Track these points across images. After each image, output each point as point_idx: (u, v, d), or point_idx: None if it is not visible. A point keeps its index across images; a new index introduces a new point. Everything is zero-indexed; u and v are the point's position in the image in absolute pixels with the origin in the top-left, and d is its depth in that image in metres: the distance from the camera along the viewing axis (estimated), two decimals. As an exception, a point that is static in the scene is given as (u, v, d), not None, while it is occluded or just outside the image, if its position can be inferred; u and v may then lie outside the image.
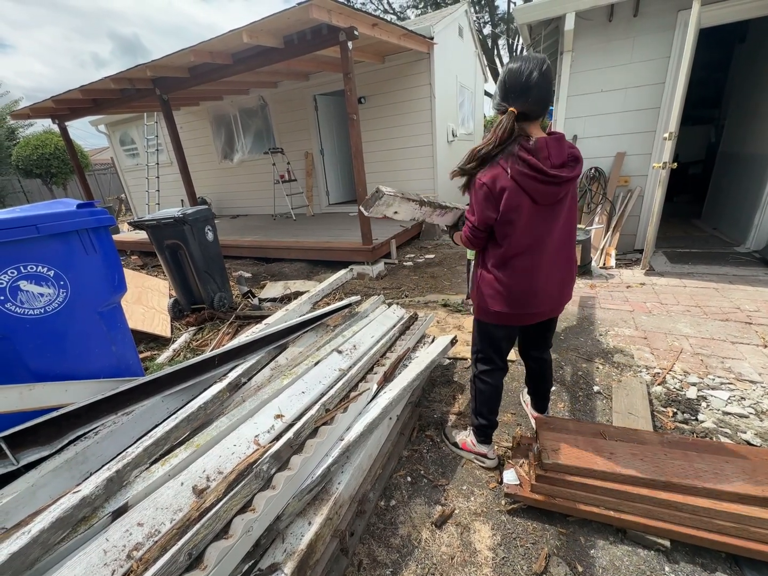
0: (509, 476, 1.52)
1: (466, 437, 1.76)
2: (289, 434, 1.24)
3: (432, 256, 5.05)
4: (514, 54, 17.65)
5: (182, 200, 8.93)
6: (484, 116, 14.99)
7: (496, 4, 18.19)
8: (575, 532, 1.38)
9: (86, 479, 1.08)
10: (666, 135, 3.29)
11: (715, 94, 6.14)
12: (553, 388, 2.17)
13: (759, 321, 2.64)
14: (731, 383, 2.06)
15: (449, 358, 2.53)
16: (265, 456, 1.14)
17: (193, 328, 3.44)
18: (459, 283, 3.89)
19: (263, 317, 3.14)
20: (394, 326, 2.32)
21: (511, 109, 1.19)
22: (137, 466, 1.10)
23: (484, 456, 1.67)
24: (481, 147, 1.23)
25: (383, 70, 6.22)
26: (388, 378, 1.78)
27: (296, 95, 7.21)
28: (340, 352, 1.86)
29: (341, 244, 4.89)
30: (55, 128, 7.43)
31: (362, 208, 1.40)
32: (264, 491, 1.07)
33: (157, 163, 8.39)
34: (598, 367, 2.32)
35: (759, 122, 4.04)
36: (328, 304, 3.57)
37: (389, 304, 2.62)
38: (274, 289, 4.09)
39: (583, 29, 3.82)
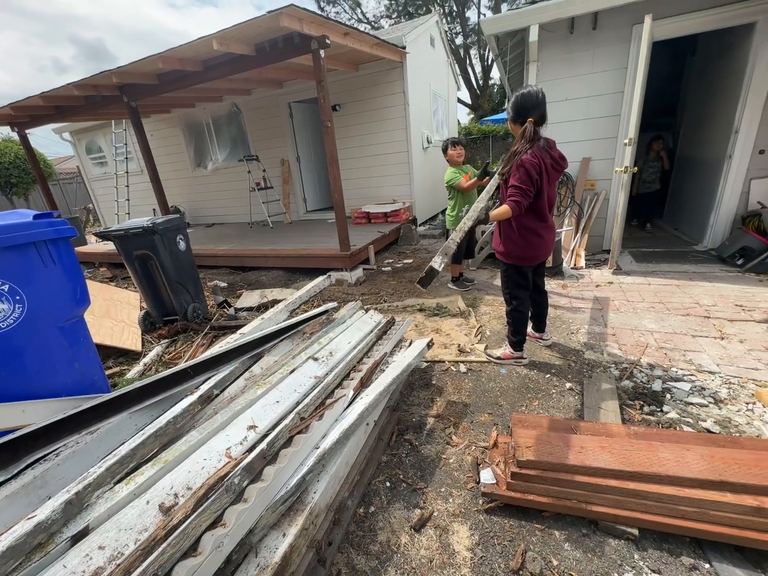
0: (486, 476, 1.54)
1: (504, 351, 2.45)
2: (263, 445, 1.21)
3: (410, 260, 5.09)
4: (486, 63, 18.21)
5: (154, 209, 8.68)
6: (459, 123, 15.37)
7: (467, 15, 18.77)
8: (550, 526, 1.41)
9: (44, 504, 1.02)
10: (626, 141, 3.47)
11: (672, 103, 6.53)
12: (530, 386, 2.23)
13: (716, 315, 2.80)
14: (692, 375, 2.17)
15: (427, 361, 2.55)
16: (236, 469, 1.11)
17: (166, 340, 3.33)
18: (437, 287, 3.93)
19: (239, 327, 3.07)
20: (372, 331, 2.32)
21: (530, 119, 1.86)
22: (99, 486, 1.05)
23: (521, 357, 2.41)
24: (518, 147, 1.90)
25: (357, 78, 6.29)
26: (365, 383, 1.78)
27: (271, 103, 7.18)
28: (316, 359, 1.84)
29: (319, 251, 4.87)
30: (15, 136, 7.09)
31: (419, 285, 1.79)
32: (235, 505, 1.04)
33: (127, 172, 8.13)
34: (570, 365, 2.39)
35: (709, 129, 4.32)
36: (306, 311, 3.53)
37: (366, 310, 2.62)
38: (250, 298, 4.02)
39: (547, 41, 4.00)
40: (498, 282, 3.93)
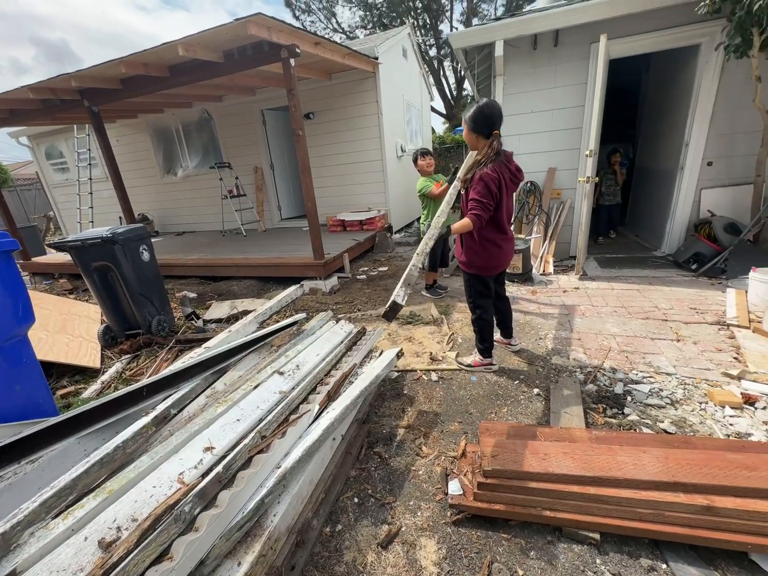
0: (453, 487, 1.53)
1: (473, 359, 2.48)
2: (219, 468, 1.16)
3: (385, 268, 5.10)
4: (459, 75, 18.70)
5: (120, 218, 8.32)
6: (433, 131, 15.67)
7: (440, 28, 19.28)
8: (516, 535, 1.41)
9: (-32, 546, 0.92)
10: (587, 152, 3.62)
11: (633, 116, 6.90)
12: (499, 393, 2.26)
13: (673, 318, 2.94)
14: (651, 376, 2.26)
15: (398, 371, 2.54)
16: (188, 496, 1.05)
17: (128, 356, 3.17)
18: (410, 294, 3.94)
19: (206, 340, 2.96)
20: (342, 342, 2.29)
21: (496, 131, 1.92)
22: (32, 523, 0.96)
23: (490, 364, 2.44)
24: (483, 158, 1.94)
25: (331, 87, 6.30)
26: (332, 397, 1.74)
27: (243, 109, 7.08)
28: (281, 373, 1.79)
29: (293, 259, 4.79)
30: (-36, 140, 6.66)
31: (384, 319, 1.70)
32: (185, 535, 0.98)
33: (90, 179, 7.77)
34: (537, 370, 2.44)
35: (663, 142, 4.58)
36: (278, 321, 3.45)
37: (338, 320, 2.59)
38: (220, 309, 3.90)
39: (513, 55, 4.14)
40: (470, 289, 3.99)
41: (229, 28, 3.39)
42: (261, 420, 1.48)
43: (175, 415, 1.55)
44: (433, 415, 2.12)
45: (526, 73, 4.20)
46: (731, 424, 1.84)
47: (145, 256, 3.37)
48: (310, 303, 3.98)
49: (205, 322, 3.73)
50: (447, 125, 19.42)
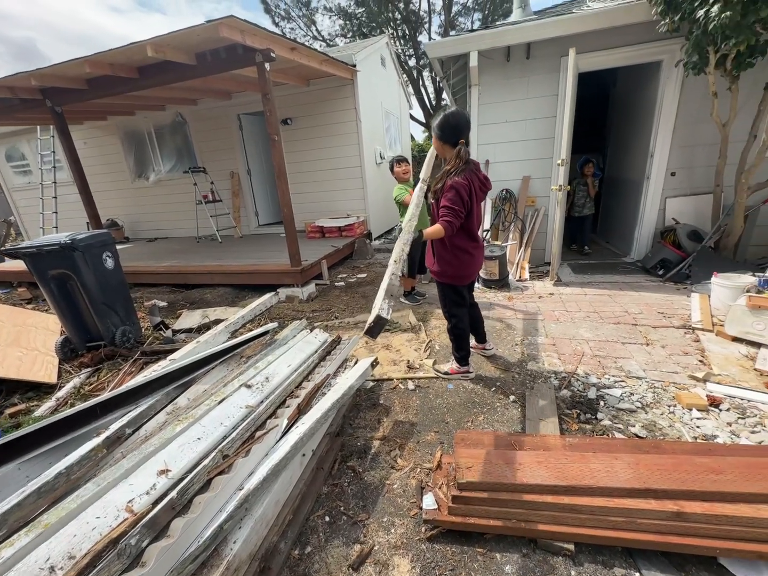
0: (428, 501, 1.48)
1: (450, 367, 2.47)
2: (173, 493, 1.07)
3: (364, 275, 5.05)
4: (438, 85, 19.08)
5: (88, 223, 7.95)
6: (413, 139, 15.84)
7: (419, 39, 19.64)
8: (492, 549, 1.38)
9: None
10: (559, 161, 3.72)
11: (602, 127, 7.18)
12: (476, 400, 2.24)
13: (642, 322, 3.02)
14: (623, 381, 2.30)
15: (375, 380, 2.49)
16: (136, 527, 0.96)
17: (88, 369, 2.98)
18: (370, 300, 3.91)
19: (174, 351, 2.82)
20: (316, 352, 2.22)
21: (462, 140, 1.91)
22: (-51, 567, 0.85)
23: (467, 372, 2.43)
24: (452, 167, 1.93)
25: (309, 93, 6.27)
26: (302, 410, 1.67)
27: (219, 113, 6.93)
28: (249, 386, 1.71)
29: (269, 266, 4.68)
30: None
31: (368, 336, 1.47)
32: (130, 572, 0.89)
33: (55, 182, 7.38)
34: (514, 377, 2.44)
35: (630, 152, 4.77)
36: (251, 330, 3.34)
37: (312, 328, 2.52)
38: (190, 319, 3.74)
39: (487, 66, 4.23)
40: (448, 295, 4.00)
41: (201, 29, 3.31)
42: (225, 437, 1.40)
43: (131, 434, 1.44)
44: (409, 426, 2.07)
45: (500, 83, 4.30)
46: (698, 427, 1.88)
47: (109, 263, 3.21)
48: (286, 311, 3.88)
49: (174, 332, 3.56)
50: (426, 134, 19.71)
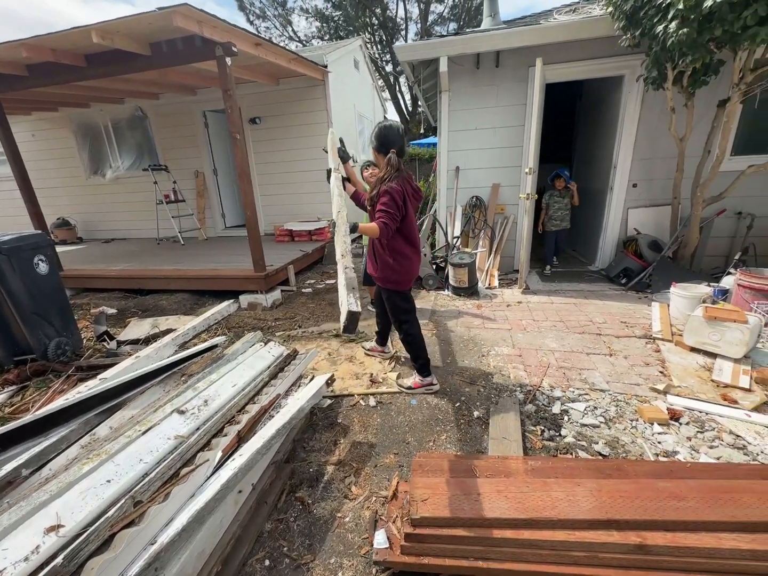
0: (380, 539, 1.35)
1: (414, 380, 2.38)
2: (59, 559, 0.88)
3: (333, 281, 4.89)
4: (414, 91, 19.23)
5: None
6: (389, 145, 15.76)
7: (396, 45, 19.79)
8: (448, 591, 1.25)
9: None
10: (527, 170, 3.72)
11: (569, 139, 7.39)
12: (439, 417, 2.13)
13: (606, 332, 3.03)
14: (587, 393, 2.26)
15: (334, 396, 2.33)
16: (-2, 607, 0.77)
17: (13, 387, 2.65)
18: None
19: (115, 365, 2.55)
20: (268, 368, 2.04)
21: (393, 150, 2.02)
22: None
23: (431, 384, 2.36)
24: (385, 174, 2.03)
25: (279, 92, 6.07)
26: (243, 438, 1.49)
27: (182, 109, 6.59)
28: (182, 412, 1.51)
29: (231, 271, 4.43)
30: None
31: (346, 334, 1.77)
32: None
33: (-6, 177, 6.78)
34: (479, 390, 2.36)
35: (594, 164, 4.89)
36: (206, 341, 3.10)
37: (267, 341, 2.34)
38: (138, 328, 3.45)
39: (457, 73, 4.21)
40: (417, 304, 3.90)
41: (152, 17, 3.07)
42: (144, 477, 1.21)
43: (29, 476, 1.22)
44: (367, 447, 1.93)
45: (470, 91, 4.28)
46: (659, 442, 1.85)
47: (42, 268, 2.89)
48: (246, 320, 3.65)
49: (120, 343, 3.26)
50: (403, 139, 19.77)
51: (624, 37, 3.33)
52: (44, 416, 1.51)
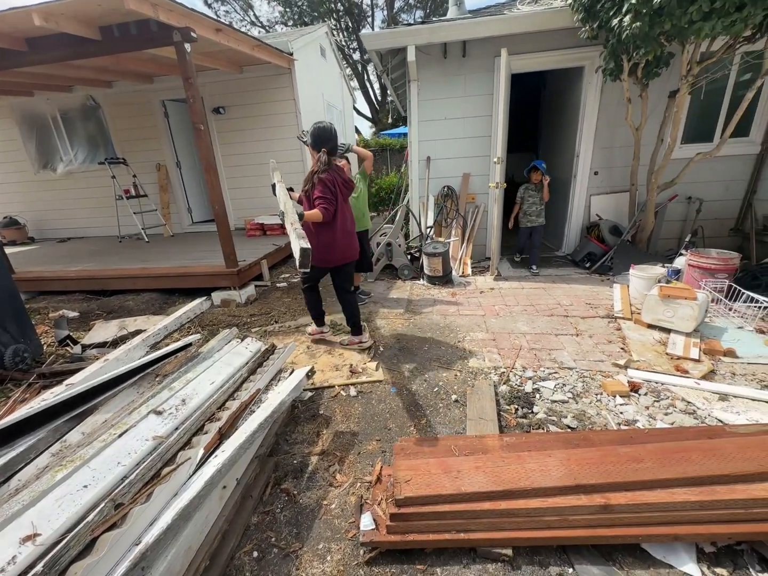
0: (366, 521, 1.39)
1: (311, 328, 3.04)
2: (38, 567, 0.86)
3: (308, 275, 4.83)
4: (382, 80, 19.02)
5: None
6: (360, 134, 15.65)
7: (363, 33, 19.42)
8: (432, 564, 1.32)
9: None
10: (495, 159, 3.81)
11: (534, 128, 7.60)
12: (419, 403, 2.20)
13: (573, 314, 3.20)
14: (556, 372, 2.40)
15: (313, 389, 2.34)
16: (-24, 621, 0.74)
17: (-33, 399, 2.48)
18: (333, 302, 3.76)
19: (81, 370, 2.44)
20: (246, 364, 2.02)
21: (324, 149, 2.38)
22: None
23: (321, 332, 2.99)
24: (316, 169, 2.39)
25: (243, 81, 5.85)
26: (225, 434, 1.49)
27: (139, 99, 6.22)
28: (159, 413, 1.48)
29: (201, 268, 4.29)
30: None
31: (302, 270, 1.89)
32: None
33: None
34: (456, 375, 2.44)
35: (558, 153, 5.07)
36: (178, 341, 3.00)
37: (243, 338, 2.31)
38: (104, 331, 3.29)
39: (425, 62, 4.21)
40: (393, 294, 3.95)
41: (101, -2, 2.87)
42: (123, 479, 1.18)
43: (-4, 488, 1.16)
44: (350, 436, 1.97)
45: (439, 80, 4.31)
46: (621, 413, 2.00)
47: (-8, 271, 2.69)
48: (220, 317, 3.56)
49: (84, 347, 3.10)
50: (373, 129, 19.61)
51: (583, 29, 3.45)
52: (7, 426, 1.44)
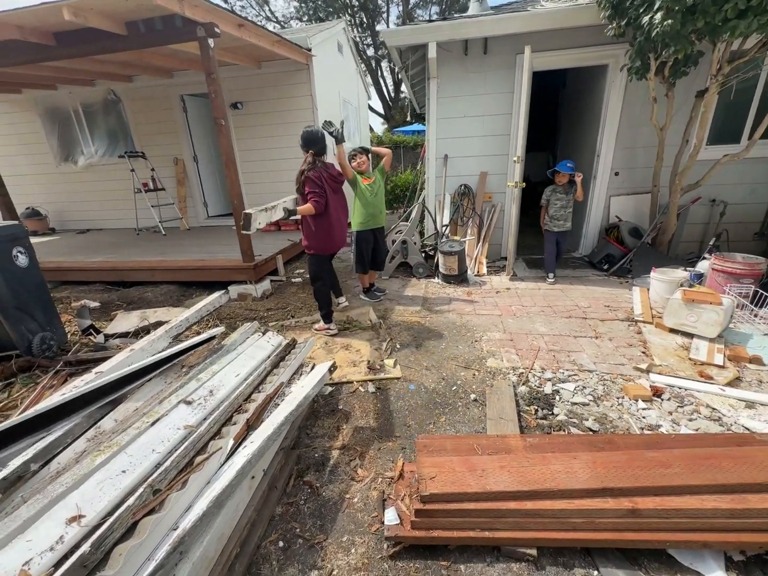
0: (390, 515, 1.41)
1: (319, 325, 3.15)
2: (85, 547, 0.89)
3: (323, 271, 4.86)
4: (397, 77, 18.93)
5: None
6: (373, 131, 15.60)
7: (377, 29, 19.31)
8: (456, 561, 1.33)
9: None
10: (515, 158, 3.77)
11: (551, 127, 7.49)
12: (437, 401, 2.20)
13: (591, 316, 3.17)
14: (576, 374, 2.38)
15: (333, 384, 2.37)
16: (32, 596, 0.78)
17: (-3, 384, 2.56)
18: (348, 298, 3.78)
19: (105, 360, 2.50)
20: (268, 357, 2.05)
21: (311, 151, 2.72)
22: None
23: (328, 329, 3.09)
24: (303, 168, 2.72)
25: (261, 76, 5.87)
26: (252, 426, 1.51)
27: (158, 93, 6.30)
28: (189, 402, 1.52)
29: (219, 262, 4.35)
30: None
31: (244, 232, 2.31)
32: None
33: (-45, 163, 6.34)
34: (474, 374, 2.44)
35: (579, 152, 4.99)
36: (199, 334, 3.06)
37: (265, 331, 2.34)
38: (126, 321, 3.36)
39: (446, 59, 4.18)
40: (408, 292, 3.95)
41: (129, -6, 2.91)
42: (158, 466, 1.22)
43: (38, 471, 1.20)
44: (369, 432, 1.99)
45: (459, 77, 4.27)
46: (644, 417, 1.98)
47: (22, 260, 2.77)
48: (237, 311, 3.61)
49: (107, 337, 3.18)
50: (386, 126, 19.55)
51: (610, 26, 3.38)
52: (44, 411, 1.48)
